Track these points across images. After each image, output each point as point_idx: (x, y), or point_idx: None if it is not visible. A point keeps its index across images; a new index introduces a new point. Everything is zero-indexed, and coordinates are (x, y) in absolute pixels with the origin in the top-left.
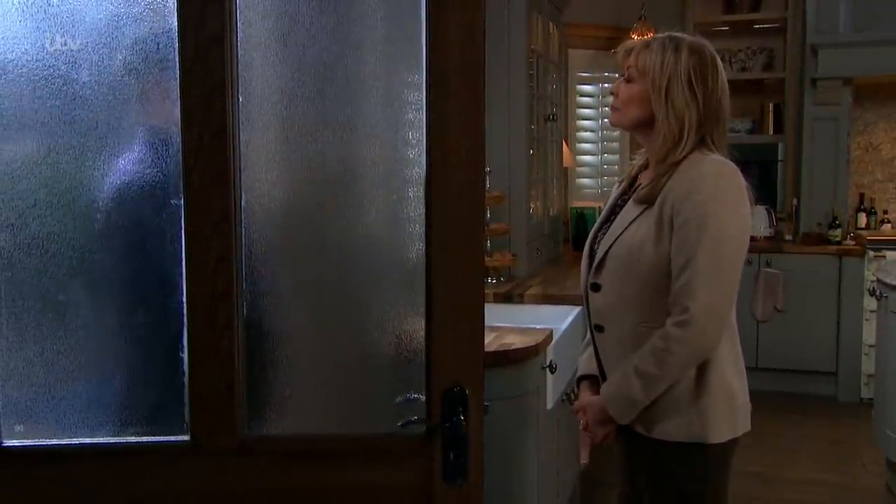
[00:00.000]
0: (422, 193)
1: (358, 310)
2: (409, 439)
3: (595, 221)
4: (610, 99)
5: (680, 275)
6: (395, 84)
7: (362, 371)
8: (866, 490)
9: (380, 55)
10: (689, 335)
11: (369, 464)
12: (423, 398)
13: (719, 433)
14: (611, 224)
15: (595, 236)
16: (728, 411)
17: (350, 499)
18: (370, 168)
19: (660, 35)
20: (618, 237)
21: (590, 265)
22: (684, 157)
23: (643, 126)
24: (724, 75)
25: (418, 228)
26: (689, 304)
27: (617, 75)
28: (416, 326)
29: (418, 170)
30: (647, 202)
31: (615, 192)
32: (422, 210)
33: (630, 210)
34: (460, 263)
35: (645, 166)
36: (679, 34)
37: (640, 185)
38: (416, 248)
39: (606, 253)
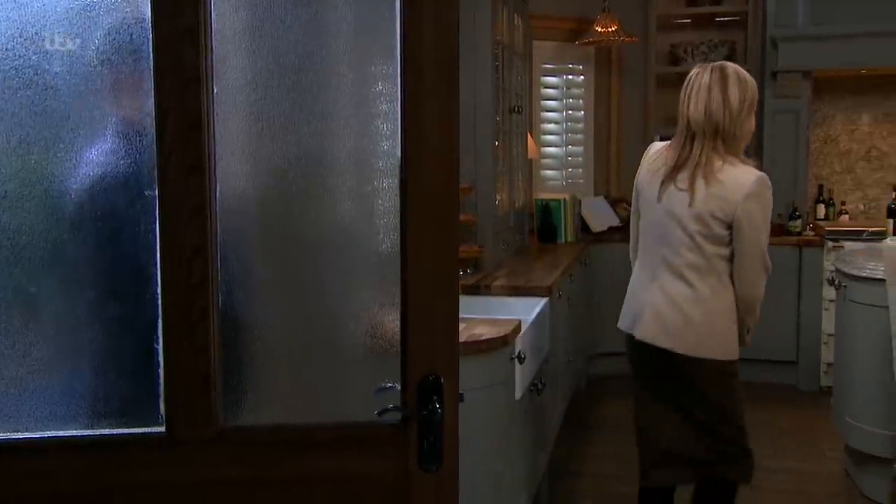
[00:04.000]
0: (396, 184)
1: (334, 300)
2: (385, 427)
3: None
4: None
5: None
6: (369, 75)
7: (339, 360)
8: (827, 476)
9: (354, 46)
10: None
11: (346, 452)
12: (398, 387)
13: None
14: None
15: None
16: None
17: (327, 487)
18: (344, 159)
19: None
20: None
21: None
22: None
23: None
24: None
25: (392, 219)
26: None
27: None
28: (392, 316)
29: (392, 161)
30: None
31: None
32: (396, 201)
33: None
34: (434, 254)
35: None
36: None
37: None
38: (391, 239)
39: None
